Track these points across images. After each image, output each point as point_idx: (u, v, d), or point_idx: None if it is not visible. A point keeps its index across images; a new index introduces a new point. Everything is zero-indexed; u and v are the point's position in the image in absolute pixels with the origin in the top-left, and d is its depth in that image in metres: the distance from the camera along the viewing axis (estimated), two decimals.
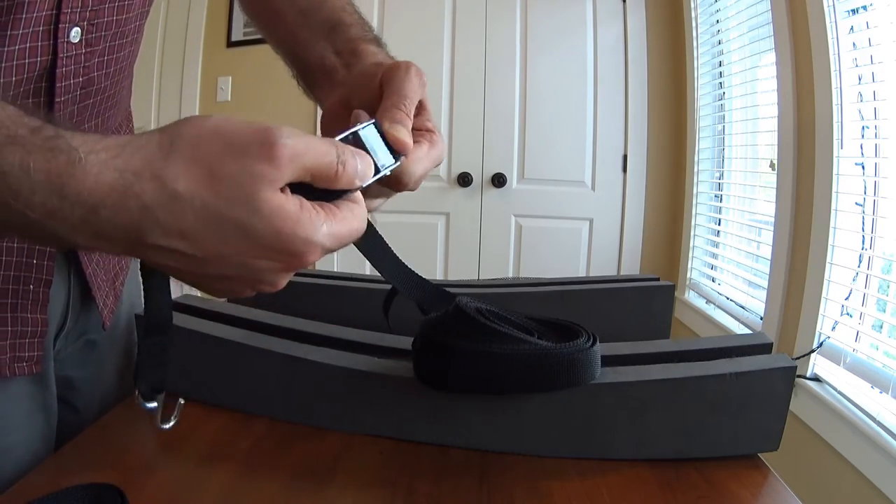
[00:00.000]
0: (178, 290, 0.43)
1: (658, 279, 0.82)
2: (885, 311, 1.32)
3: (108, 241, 0.29)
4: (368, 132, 0.36)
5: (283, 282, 0.33)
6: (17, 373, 0.50)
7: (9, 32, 0.41)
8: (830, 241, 1.44)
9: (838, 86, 1.42)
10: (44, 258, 0.50)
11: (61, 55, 0.44)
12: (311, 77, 0.52)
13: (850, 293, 1.42)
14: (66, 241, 0.29)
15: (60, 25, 0.44)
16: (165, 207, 0.28)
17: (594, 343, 0.48)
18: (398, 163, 0.37)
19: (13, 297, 0.49)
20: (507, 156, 2.50)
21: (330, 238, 0.31)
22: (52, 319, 0.53)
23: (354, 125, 0.36)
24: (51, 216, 0.28)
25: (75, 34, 0.45)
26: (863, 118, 1.39)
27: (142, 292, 0.74)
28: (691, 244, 2.28)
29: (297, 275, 0.77)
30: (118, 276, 0.63)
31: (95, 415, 0.59)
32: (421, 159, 0.40)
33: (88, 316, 0.59)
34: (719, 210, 2.14)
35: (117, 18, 0.49)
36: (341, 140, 0.34)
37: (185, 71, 2.56)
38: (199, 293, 0.43)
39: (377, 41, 0.51)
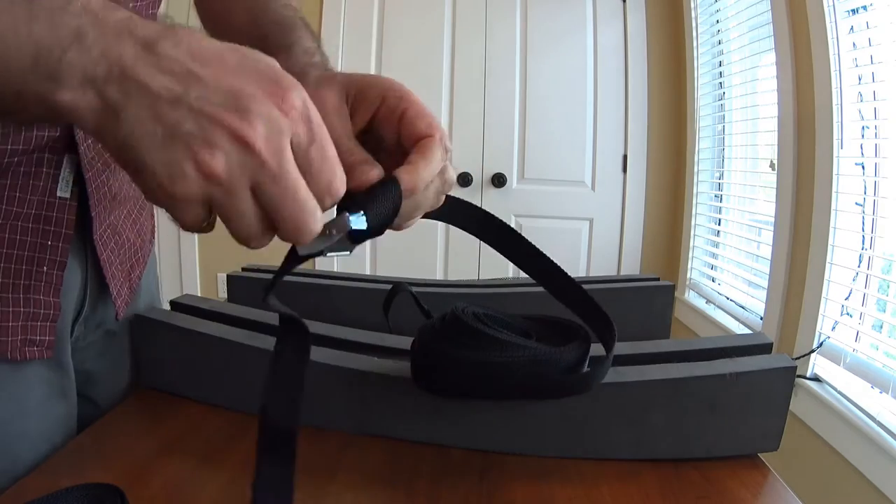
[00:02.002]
0: (178, 290, 0.43)
1: (658, 279, 0.82)
2: (885, 311, 1.32)
3: (107, 35, 0.28)
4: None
5: (257, 123, 0.29)
6: (27, 356, 0.50)
7: None
8: (830, 241, 1.44)
9: (838, 86, 1.42)
10: (59, 240, 0.50)
11: None
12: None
13: (850, 293, 1.42)
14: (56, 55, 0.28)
15: None
16: (180, 31, 0.29)
17: (587, 356, 0.48)
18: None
19: (26, 278, 0.49)
20: (507, 156, 2.50)
21: (312, 105, 0.31)
22: (68, 305, 0.53)
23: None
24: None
25: None
26: (863, 118, 1.39)
27: (159, 287, 0.74)
28: (691, 244, 2.28)
29: (296, 275, 0.78)
30: (134, 269, 0.62)
31: (112, 406, 0.59)
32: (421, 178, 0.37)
33: (107, 305, 0.59)
34: (719, 210, 2.14)
35: (132, 5, 0.50)
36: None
37: None
38: (198, 294, 0.42)
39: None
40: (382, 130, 0.40)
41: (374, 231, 0.35)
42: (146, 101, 0.28)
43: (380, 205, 0.35)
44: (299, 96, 0.30)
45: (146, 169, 0.29)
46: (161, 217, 0.37)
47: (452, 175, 0.41)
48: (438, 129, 0.39)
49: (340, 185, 0.32)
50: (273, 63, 0.31)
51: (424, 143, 0.38)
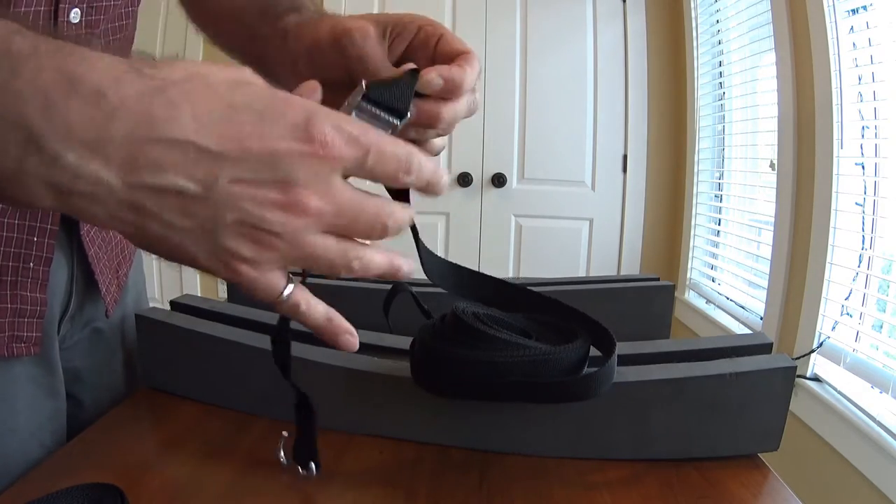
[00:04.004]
0: (178, 290, 0.43)
1: (658, 279, 0.82)
2: (885, 311, 1.32)
3: (103, 142, 0.24)
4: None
5: (304, 189, 0.26)
6: (14, 353, 0.50)
7: (10, 10, 0.41)
8: (830, 241, 1.44)
9: (838, 86, 1.42)
10: (44, 236, 0.50)
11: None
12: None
13: (850, 293, 1.42)
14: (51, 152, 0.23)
15: (61, 6, 0.44)
16: (178, 86, 0.25)
17: (607, 355, 0.47)
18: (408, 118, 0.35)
19: (13, 274, 0.49)
20: (507, 156, 2.50)
21: (358, 128, 0.28)
22: (54, 301, 0.53)
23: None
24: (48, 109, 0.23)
25: (75, 15, 0.45)
26: (863, 118, 1.39)
27: (145, 285, 0.72)
28: (691, 244, 2.28)
29: (296, 274, 0.78)
30: (122, 266, 0.62)
31: (105, 408, 0.58)
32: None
33: (94, 302, 0.59)
34: (719, 210, 2.14)
35: (115, 3, 0.49)
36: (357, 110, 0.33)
37: None
38: (198, 294, 0.42)
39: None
40: (416, 58, 0.41)
41: (391, 104, 0.34)
42: (169, 205, 0.25)
43: (393, 86, 0.35)
44: (330, 125, 0.27)
45: (196, 261, 0.28)
46: None
47: (477, 98, 0.42)
48: (472, 50, 0.40)
49: (411, 160, 0.30)
50: (286, 98, 0.28)
51: (465, 56, 0.39)
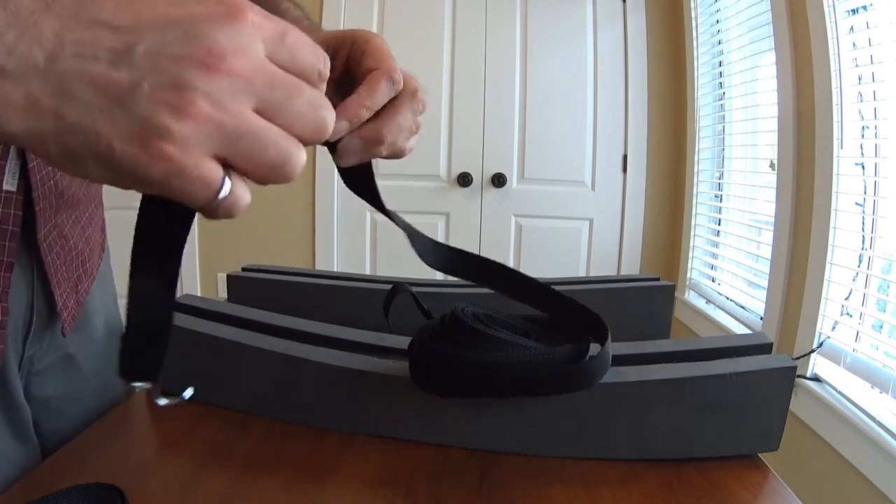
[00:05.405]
0: (178, 290, 0.43)
1: (658, 279, 0.82)
2: (885, 311, 1.32)
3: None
4: None
5: (225, 44, 0.24)
6: None
7: None
8: (830, 241, 1.44)
9: (838, 86, 1.42)
10: (5, 238, 0.46)
11: None
12: None
13: (850, 293, 1.42)
14: None
15: None
16: None
17: (601, 342, 0.48)
18: None
19: None
20: (507, 156, 2.50)
21: (259, 10, 0.26)
22: (16, 317, 0.49)
23: None
24: None
25: None
26: (863, 118, 1.39)
27: (120, 315, 0.67)
28: (691, 244, 2.28)
29: (296, 275, 0.78)
30: (82, 281, 0.58)
31: (68, 438, 0.53)
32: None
33: (57, 321, 0.54)
34: (719, 210, 2.14)
35: None
36: None
37: None
38: (198, 294, 0.42)
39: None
40: (353, 76, 0.42)
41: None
42: (87, 81, 0.24)
43: None
44: (243, 2, 0.25)
45: (113, 153, 0.24)
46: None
47: (423, 98, 0.43)
48: (388, 64, 0.40)
49: (328, 64, 0.28)
50: None
51: (370, 78, 0.40)
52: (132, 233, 0.29)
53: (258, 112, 0.25)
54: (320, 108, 0.27)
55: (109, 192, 0.48)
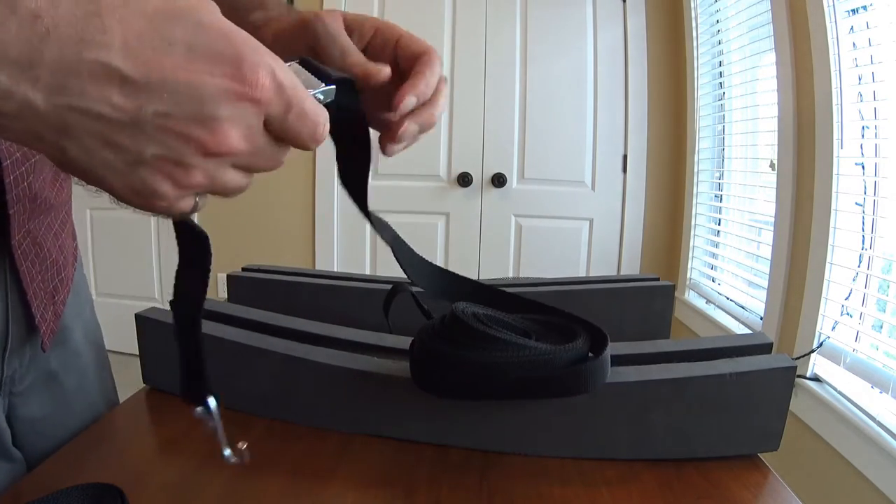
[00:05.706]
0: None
1: (658, 279, 0.82)
2: (885, 311, 1.32)
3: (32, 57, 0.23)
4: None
5: (229, 131, 0.27)
6: None
7: None
8: (830, 241, 1.44)
9: (838, 86, 1.42)
10: None
11: None
12: None
13: (850, 293, 1.42)
14: None
15: None
16: (114, 11, 0.24)
17: (599, 350, 0.48)
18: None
19: None
20: (507, 156, 2.50)
21: (290, 80, 0.28)
22: None
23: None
24: None
25: None
26: (863, 118, 1.39)
27: (98, 324, 0.63)
28: (691, 244, 2.28)
29: (296, 275, 0.78)
30: (58, 291, 0.54)
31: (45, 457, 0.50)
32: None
33: (36, 337, 0.51)
34: (719, 210, 2.14)
35: None
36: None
37: None
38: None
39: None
40: (378, 61, 0.42)
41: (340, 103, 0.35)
42: (91, 129, 0.25)
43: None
44: (265, 70, 0.27)
45: (114, 191, 0.27)
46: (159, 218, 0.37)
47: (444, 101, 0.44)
48: (432, 48, 0.43)
49: (324, 129, 0.31)
50: (226, 32, 0.26)
51: (425, 58, 0.42)
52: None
53: (235, 167, 0.29)
54: (280, 161, 0.31)
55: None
